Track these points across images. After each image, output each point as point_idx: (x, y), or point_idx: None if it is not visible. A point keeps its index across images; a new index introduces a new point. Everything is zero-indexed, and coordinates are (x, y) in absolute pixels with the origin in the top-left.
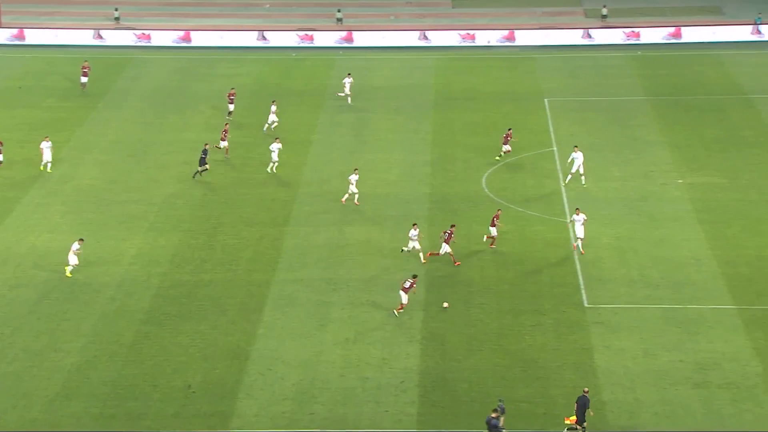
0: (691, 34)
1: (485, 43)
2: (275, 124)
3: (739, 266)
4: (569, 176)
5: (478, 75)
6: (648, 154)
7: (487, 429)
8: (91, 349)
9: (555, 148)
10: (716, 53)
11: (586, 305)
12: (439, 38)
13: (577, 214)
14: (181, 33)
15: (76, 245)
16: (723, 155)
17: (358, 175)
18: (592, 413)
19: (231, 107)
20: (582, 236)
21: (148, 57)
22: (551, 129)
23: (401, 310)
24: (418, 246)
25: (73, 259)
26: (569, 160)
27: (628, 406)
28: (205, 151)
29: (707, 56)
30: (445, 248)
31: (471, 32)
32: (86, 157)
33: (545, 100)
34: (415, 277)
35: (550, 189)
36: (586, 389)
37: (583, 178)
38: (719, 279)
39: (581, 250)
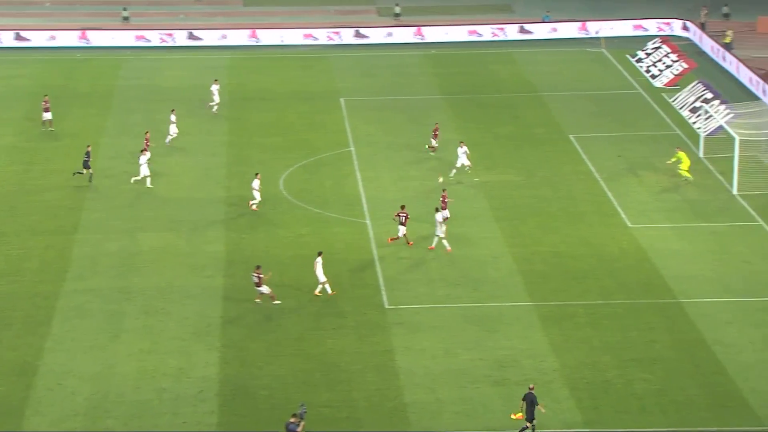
0: (483, 33)
1: (279, 42)
2: (175, 135)
3: (534, 263)
4: (453, 170)
5: (272, 74)
6: (445, 153)
7: None
8: None
9: (352, 148)
10: (508, 51)
11: (387, 306)
12: (231, 37)
13: (438, 212)
14: None
15: None
16: (517, 153)
17: (260, 180)
18: (543, 410)
19: (47, 115)
20: (443, 234)
21: None
22: (348, 129)
23: (274, 300)
24: (323, 278)
25: None
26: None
27: (430, 406)
28: (87, 154)
29: (499, 54)
30: (402, 230)
31: (263, 31)
32: None
33: (341, 99)
34: (258, 267)
35: (348, 190)
36: (532, 386)
37: (468, 169)
38: (516, 276)
39: (447, 246)
